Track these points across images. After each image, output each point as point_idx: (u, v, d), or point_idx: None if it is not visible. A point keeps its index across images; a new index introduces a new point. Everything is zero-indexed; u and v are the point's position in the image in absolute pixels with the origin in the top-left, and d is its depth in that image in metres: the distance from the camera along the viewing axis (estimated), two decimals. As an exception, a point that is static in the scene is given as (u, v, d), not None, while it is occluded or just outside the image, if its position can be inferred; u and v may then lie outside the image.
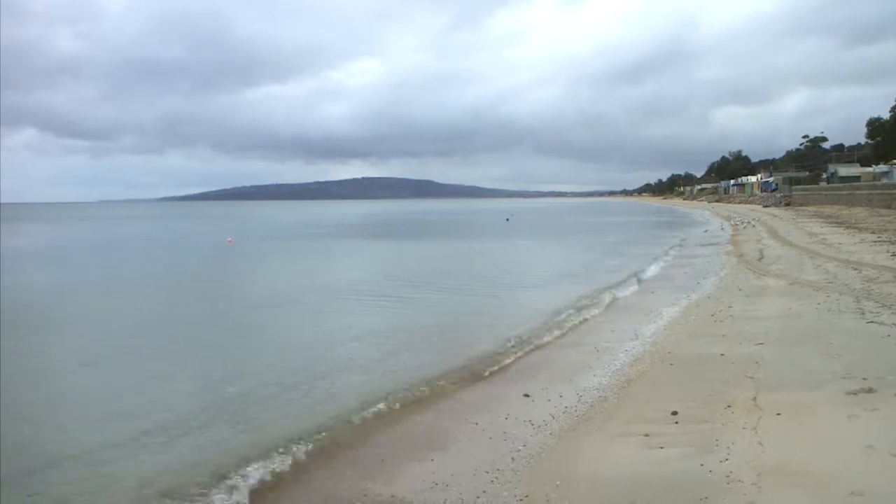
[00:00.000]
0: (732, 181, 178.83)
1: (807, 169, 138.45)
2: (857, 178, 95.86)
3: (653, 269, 33.54)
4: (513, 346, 17.19)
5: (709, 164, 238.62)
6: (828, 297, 20.07)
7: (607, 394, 12.55)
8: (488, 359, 16.08)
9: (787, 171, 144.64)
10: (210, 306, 25.99)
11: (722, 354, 14.36)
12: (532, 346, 17.21)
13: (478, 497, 8.49)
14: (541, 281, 31.47)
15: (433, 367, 15.42)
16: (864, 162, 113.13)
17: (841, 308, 18.27)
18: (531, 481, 8.84)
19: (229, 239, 66.37)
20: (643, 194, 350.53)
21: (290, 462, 9.89)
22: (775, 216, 72.17)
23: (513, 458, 9.69)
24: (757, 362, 13.43)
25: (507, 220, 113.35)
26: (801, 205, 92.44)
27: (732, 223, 69.79)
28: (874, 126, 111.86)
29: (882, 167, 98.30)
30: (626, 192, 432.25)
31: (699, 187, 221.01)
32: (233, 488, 9.00)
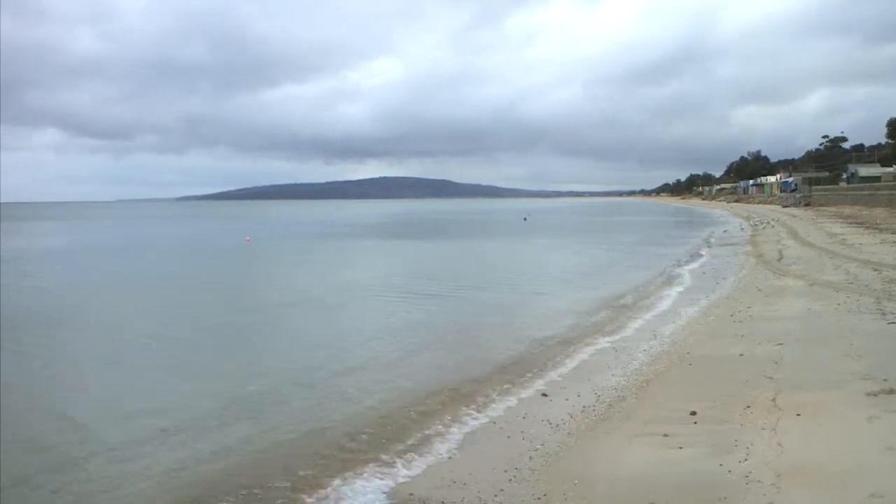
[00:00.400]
0: (751, 181, 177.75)
1: (826, 169, 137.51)
2: (877, 179, 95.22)
3: (672, 270, 33.41)
4: (529, 346, 17.21)
5: (727, 163, 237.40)
6: (848, 297, 19.95)
7: (626, 393, 12.53)
8: (505, 358, 16.10)
9: (806, 171, 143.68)
10: (229, 305, 26.13)
11: (741, 355, 14.31)
12: (549, 346, 17.18)
13: (495, 495, 8.51)
14: (557, 281, 31.47)
15: (451, 366, 15.49)
16: (885, 162, 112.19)
17: (861, 309, 18.16)
18: (549, 480, 8.85)
19: (248, 238, 66.64)
20: (661, 194, 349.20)
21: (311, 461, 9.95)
22: (795, 216, 71.76)
23: (531, 457, 9.70)
24: (776, 363, 13.38)
25: (525, 219, 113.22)
26: (820, 205, 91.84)
27: (752, 223, 69.44)
28: (895, 126, 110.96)
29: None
30: (644, 192, 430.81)
31: (718, 187, 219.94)
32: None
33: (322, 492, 8.86)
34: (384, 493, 8.78)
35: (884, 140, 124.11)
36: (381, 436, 10.94)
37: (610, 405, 11.93)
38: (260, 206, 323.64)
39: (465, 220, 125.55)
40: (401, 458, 9.98)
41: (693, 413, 10.82)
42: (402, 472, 9.48)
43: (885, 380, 11.52)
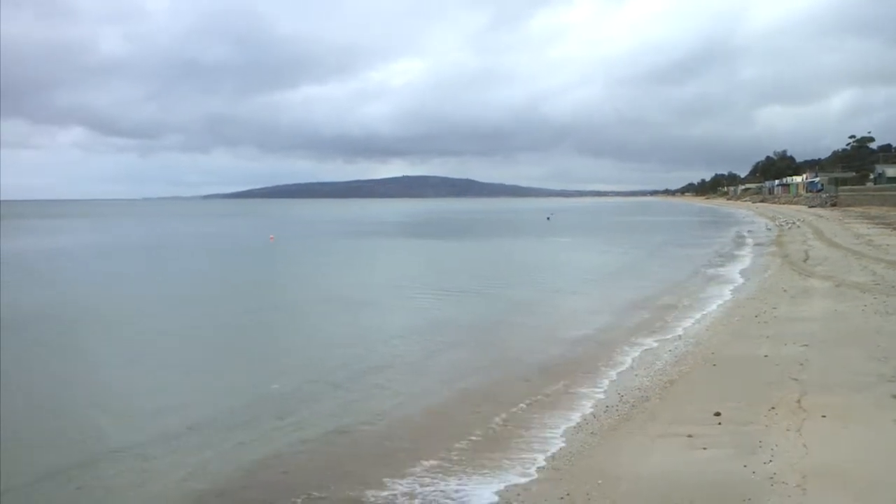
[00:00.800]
0: (777, 181, 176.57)
1: (853, 169, 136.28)
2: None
3: (698, 269, 33.28)
4: (554, 344, 17.20)
5: (753, 163, 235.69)
6: (874, 299, 19.78)
7: (649, 394, 12.49)
8: (528, 355, 16.12)
9: (833, 171, 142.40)
10: (253, 303, 26.26)
11: (766, 356, 14.22)
12: (573, 345, 17.16)
13: (518, 494, 8.52)
14: (582, 281, 31.39)
15: (475, 364, 15.52)
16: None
17: (888, 310, 18.00)
18: (572, 479, 8.84)
19: (271, 237, 66.96)
20: (686, 194, 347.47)
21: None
22: (821, 217, 71.20)
23: (553, 457, 9.70)
24: (802, 364, 13.29)
25: (548, 218, 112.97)
26: (847, 205, 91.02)
27: (777, 224, 68.97)
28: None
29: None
30: (668, 192, 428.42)
31: (743, 187, 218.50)
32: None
33: (348, 492, 8.88)
34: (409, 496, 8.77)
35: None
36: (403, 438, 10.96)
37: (633, 405, 11.90)
38: (283, 205, 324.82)
39: (489, 219, 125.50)
40: (425, 461, 9.97)
41: (717, 414, 10.77)
42: (428, 475, 9.47)
43: (912, 382, 11.42)
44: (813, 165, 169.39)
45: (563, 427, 10.99)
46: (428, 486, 8.87)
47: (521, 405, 12.33)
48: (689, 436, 9.97)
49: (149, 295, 28.50)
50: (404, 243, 63.94)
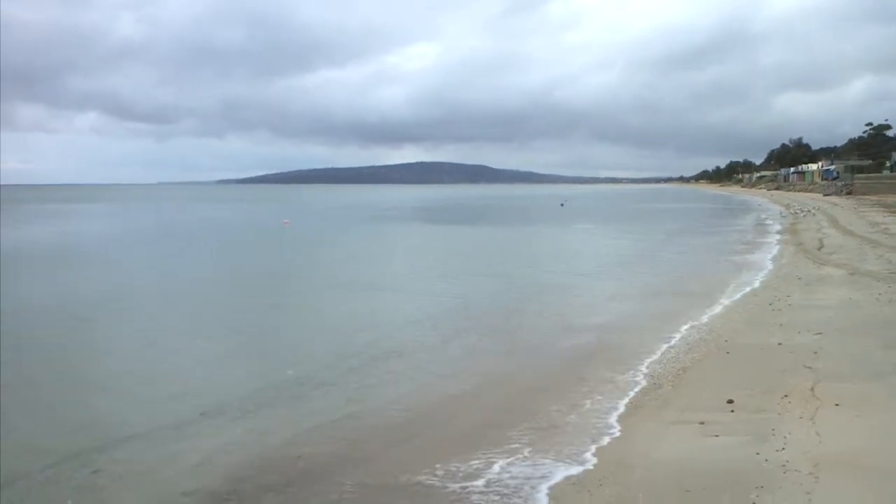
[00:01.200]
0: (792, 169, 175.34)
1: (869, 157, 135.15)
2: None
3: (711, 257, 33.21)
4: (566, 332, 17.21)
5: (768, 151, 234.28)
6: (889, 287, 19.71)
7: (662, 381, 12.51)
8: (540, 343, 16.15)
9: (848, 159, 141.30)
10: (268, 288, 26.40)
11: (780, 344, 14.21)
12: (585, 332, 17.17)
13: (528, 478, 8.55)
14: (595, 269, 31.35)
15: (487, 352, 15.56)
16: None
17: (903, 299, 17.95)
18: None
19: (286, 221, 67.13)
20: (700, 181, 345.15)
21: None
22: (836, 205, 70.76)
23: (567, 443, 9.74)
24: (815, 352, 13.27)
25: (562, 205, 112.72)
26: (863, 194, 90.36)
27: (792, 211, 68.65)
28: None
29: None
30: (682, 179, 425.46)
31: (758, 175, 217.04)
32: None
33: (362, 478, 8.94)
34: (428, 482, 8.82)
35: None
36: (418, 424, 11.02)
37: (646, 392, 11.93)
38: (297, 190, 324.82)
39: (503, 205, 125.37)
40: (439, 446, 10.02)
41: (730, 401, 10.78)
42: (441, 461, 9.51)
43: (926, 371, 11.41)
44: (829, 153, 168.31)
45: (575, 414, 11.01)
46: (442, 472, 8.91)
47: (533, 392, 12.38)
48: (702, 423, 9.99)
49: (165, 281, 28.65)
50: (419, 229, 63.95)
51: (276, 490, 8.51)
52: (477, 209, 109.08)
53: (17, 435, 10.81)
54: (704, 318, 17.84)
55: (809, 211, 64.91)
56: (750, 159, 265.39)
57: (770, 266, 27.66)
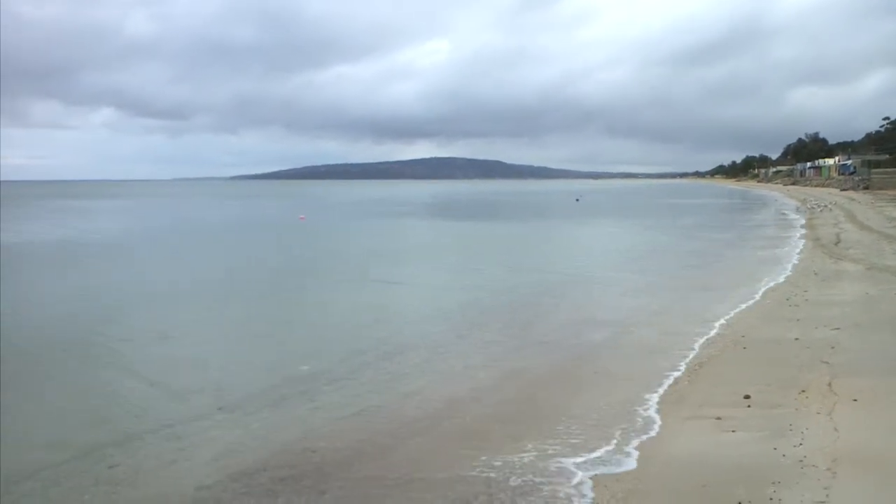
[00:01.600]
0: (809, 164, 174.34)
1: (887, 151, 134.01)
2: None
3: (726, 252, 33.09)
4: (581, 326, 17.17)
5: (784, 145, 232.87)
6: (907, 282, 19.59)
7: (679, 376, 12.46)
8: (555, 338, 16.11)
9: (866, 153, 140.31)
10: (283, 283, 26.47)
11: (796, 339, 14.14)
12: (600, 327, 17.11)
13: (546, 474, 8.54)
14: (611, 264, 31.31)
15: (502, 346, 15.52)
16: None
17: (921, 294, 17.84)
18: (601, 461, 8.86)
19: (301, 216, 67.29)
20: (716, 176, 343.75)
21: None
22: (853, 200, 70.35)
23: (583, 438, 9.72)
24: (833, 347, 13.20)
25: (577, 200, 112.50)
26: (880, 188, 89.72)
27: (808, 206, 68.33)
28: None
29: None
30: (698, 174, 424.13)
31: (774, 170, 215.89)
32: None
33: (377, 472, 8.95)
34: (440, 476, 8.82)
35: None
36: (432, 418, 11.00)
37: (663, 387, 11.88)
38: (311, 186, 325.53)
39: (518, 200, 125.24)
40: (454, 440, 10.01)
41: (747, 397, 10.73)
42: (456, 454, 9.50)
43: (945, 366, 11.33)
44: (845, 148, 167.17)
45: (590, 409, 10.97)
46: (457, 466, 8.90)
47: (547, 387, 12.37)
48: (718, 418, 9.95)
49: (181, 276, 28.72)
50: (433, 224, 63.93)
51: (292, 484, 8.52)
52: (491, 204, 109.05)
53: (35, 429, 10.91)
54: (721, 314, 17.75)
55: (826, 206, 64.58)
56: (766, 154, 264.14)
57: (786, 261, 27.52)
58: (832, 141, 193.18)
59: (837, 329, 14.61)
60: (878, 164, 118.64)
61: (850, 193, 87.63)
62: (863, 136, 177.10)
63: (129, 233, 52.41)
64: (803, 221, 50.02)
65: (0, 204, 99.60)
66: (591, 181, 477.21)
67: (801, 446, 8.57)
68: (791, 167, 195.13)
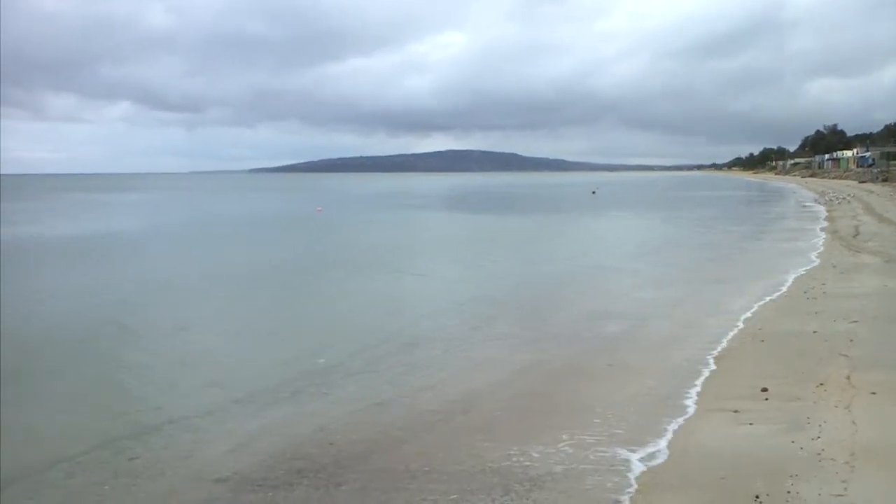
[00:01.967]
0: (827, 156, 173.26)
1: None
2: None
3: (743, 244, 32.96)
4: (597, 319, 17.13)
5: (802, 138, 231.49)
6: (927, 275, 19.45)
7: (696, 369, 12.42)
8: (571, 331, 16.10)
9: (885, 145, 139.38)
10: (300, 275, 26.57)
11: (815, 332, 14.07)
12: (617, 319, 17.07)
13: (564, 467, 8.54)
14: (627, 257, 31.21)
15: (517, 339, 15.52)
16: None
17: (941, 287, 17.70)
18: (617, 454, 8.86)
19: (319, 209, 67.46)
20: (733, 168, 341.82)
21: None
22: (872, 192, 69.86)
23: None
24: (851, 340, 13.13)
25: (594, 192, 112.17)
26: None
27: (826, 199, 67.89)
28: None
29: None
30: (715, 166, 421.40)
31: (792, 162, 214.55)
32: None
33: (392, 464, 8.96)
34: (454, 468, 8.83)
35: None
36: (446, 411, 11.00)
37: (679, 379, 11.85)
38: (327, 179, 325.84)
39: (534, 193, 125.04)
40: (470, 432, 10.02)
41: (764, 389, 10.69)
42: (470, 446, 9.51)
43: (965, 359, 11.24)
44: (864, 139, 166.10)
45: (608, 402, 10.95)
46: (472, 458, 8.91)
47: (563, 380, 12.38)
48: (736, 411, 9.92)
49: (199, 268, 28.83)
50: (448, 217, 64.03)
51: (308, 476, 8.55)
52: (507, 197, 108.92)
53: (55, 421, 11.03)
54: (738, 306, 17.67)
55: (844, 198, 64.16)
56: (784, 146, 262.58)
57: (804, 254, 27.36)
58: (851, 133, 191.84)
59: (856, 322, 14.53)
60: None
61: (869, 186, 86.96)
62: (882, 127, 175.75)
63: (148, 227, 52.57)
64: (821, 214, 49.73)
65: (23, 198, 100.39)
66: (608, 174, 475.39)
67: (818, 439, 8.53)
68: (809, 159, 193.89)
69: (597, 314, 17.82)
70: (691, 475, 8.07)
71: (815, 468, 7.79)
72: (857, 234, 32.11)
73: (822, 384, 10.69)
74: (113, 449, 9.62)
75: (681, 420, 9.90)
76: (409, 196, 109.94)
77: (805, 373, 11.37)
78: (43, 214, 64.59)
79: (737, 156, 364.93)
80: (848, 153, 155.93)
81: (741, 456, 8.34)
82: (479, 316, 18.05)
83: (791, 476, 7.63)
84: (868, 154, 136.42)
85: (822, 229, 37.41)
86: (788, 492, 7.26)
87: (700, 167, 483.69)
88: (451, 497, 7.84)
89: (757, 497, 7.20)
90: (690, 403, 10.60)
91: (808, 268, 23.27)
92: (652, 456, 8.69)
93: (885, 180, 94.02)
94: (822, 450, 8.21)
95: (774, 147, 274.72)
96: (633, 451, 8.88)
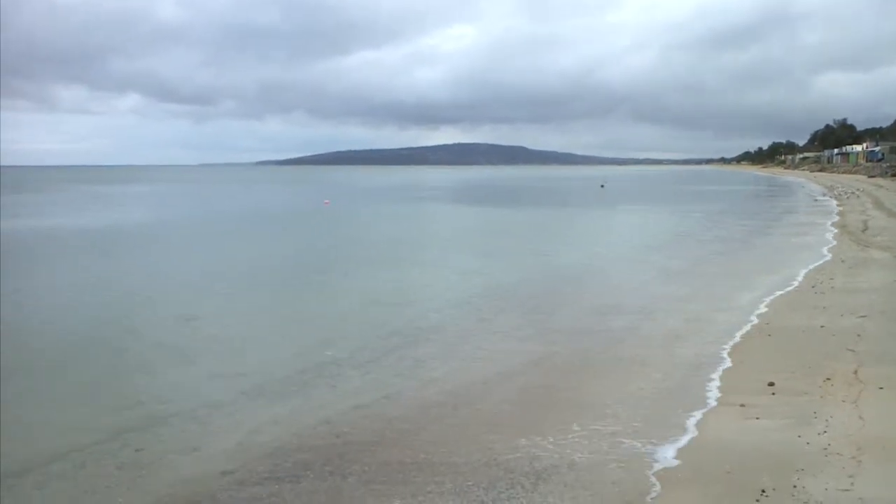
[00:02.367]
0: (836, 150, 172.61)
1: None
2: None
3: (751, 239, 32.88)
4: (605, 313, 17.12)
5: (811, 132, 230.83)
6: (936, 270, 19.38)
7: (703, 363, 12.41)
8: (579, 325, 16.08)
9: (894, 140, 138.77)
10: (308, 268, 26.57)
11: (822, 326, 14.04)
12: (625, 314, 17.06)
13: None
14: (636, 251, 31.17)
15: (525, 332, 15.51)
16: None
17: (950, 282, 17.64)
18: (624, 448, 8.86)
19: (326, 201, 67.49)
20: (742, 163, 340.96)
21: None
22: (881, 187, 69.64)
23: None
24: (859, 335, 13.10)
25: (602, 186, 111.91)
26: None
27: (836, 193, 67.67)
28: None
29: None
30: (724, 161, 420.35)
31: (801, 156, 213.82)
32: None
33: (399, 457, 8.97)
34: (462, 462, 8.83)
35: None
36: (453, 403, 11.01)
37: (686, 374, 11.84)
38: (335, 171, 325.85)
39: (543, 186, 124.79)
40: (477, 425, 10.03)
41: (771, 384, 10.68)
42: (478, 440, 9.51)
43: (973, 355, 11.21)
44: (874, 134, 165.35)
45: (616, 396, 10.95)
46: (479, 451, 8.92)
47: (571, 373, 12.37)
48: (743, 405, 9.91)
49: (207, 261, 28.90)
50: (457, 210, 63.90)
51: (315, 469, 8.56)
52: (516, 190, 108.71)
53: (62, 413, 11.04)
54: (746, 301, 17.64)
55: (853, 193, 63.97)
56: (793, 140, 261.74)
57: (813, 249, 27.28)
58: (860, 127, 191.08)
59: (864, 317, 14.49)
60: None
61: (878, 180, 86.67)
62: (892, 122, 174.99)
63: (158, 219, 52.61)
64: (830, 208, 49.58)
65: (31, 189, 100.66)
66: (616, 167, 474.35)
67: (825, 434, 8.52)
68: (818, 154, 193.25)
69: (606, 308, 17.80)
70: (698, 469, 8.05)
71: (821, 463, 7.78)
72: (866, 229, 32.02)
73: (829, 379, 10.67)
74: (120, 441, 9.64)
75: (696, 414, 9.86)
76: (416, 189, 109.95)
77: (812, 367, 11.36)
78: (49, 206, 64.75)
79: (745, 150, 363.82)
80: (857, 148, 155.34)
81: (748, 450, 8.34)
82: (487, 308, 18.05)
83: (797, 470, 7.62)
84: (878, 148, 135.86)
85: (831, 224, 37.29)
86: (795, 486, 7.26)
87: (709, 161, 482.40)
88: (458, 490, 7.85)
89: (763, 491, 7.20)
90: (699, 398, 10.57)
91: (818, 263, 23.19)
92: (664, 450, 8.66)
93: (894, 175, 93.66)
94: (829, 444, 8.20)
95: (783, 141, 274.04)
96: (645, 444, 8.86)
